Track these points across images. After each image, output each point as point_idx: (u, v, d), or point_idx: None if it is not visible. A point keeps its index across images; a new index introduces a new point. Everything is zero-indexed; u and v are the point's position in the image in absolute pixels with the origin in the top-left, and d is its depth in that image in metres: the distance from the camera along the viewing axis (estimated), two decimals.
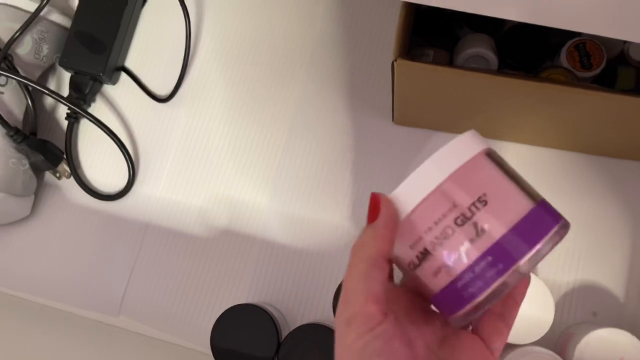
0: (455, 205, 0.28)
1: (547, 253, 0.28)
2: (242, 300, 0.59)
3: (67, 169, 0.63)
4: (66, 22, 0.65)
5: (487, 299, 0.27)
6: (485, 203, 0.28)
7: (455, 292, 0.28)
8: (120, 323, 0.60)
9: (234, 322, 0.53)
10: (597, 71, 0.52)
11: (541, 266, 0.56)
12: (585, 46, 0.53)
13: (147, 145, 0.64)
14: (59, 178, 0.63)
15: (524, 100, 0.48)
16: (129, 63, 0.67)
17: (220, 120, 0.64)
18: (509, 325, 0.31)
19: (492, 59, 0.52)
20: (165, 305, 0.60)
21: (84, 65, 0.63)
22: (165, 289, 0.60)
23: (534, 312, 0.50)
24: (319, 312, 0.58)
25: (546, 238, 0.28)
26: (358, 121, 0.62)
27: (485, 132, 0.60)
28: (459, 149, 0.29)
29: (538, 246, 0.27)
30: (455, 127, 0.59)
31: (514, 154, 0.59)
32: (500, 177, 0.29)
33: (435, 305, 0.31)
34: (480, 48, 0.52)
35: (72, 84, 0.63)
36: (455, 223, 0.28)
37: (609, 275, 0.55)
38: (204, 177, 0.63)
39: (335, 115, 0.62)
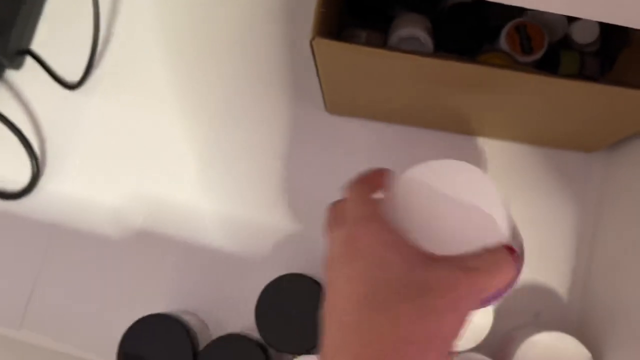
0: None
1: None
2: (159, 309, 0.53)
3: None
4: None
5: None
6: None
7: None
8: (22, 336, 0.54)
9: (145, 334, 0.48)
10: (538, 55, 0.48)
11: None
12: (526, 29, 0.49)
13: (54, 137, 0.58)
14: None
15: (460, 86, 0.43)
16: (35, 46, 0.60)
17: (138, 110, 0.58)
18: None
19: (427, 40, 0.48)
20: (72, 316, 0.54)
21: None
22: (73, 298, 0.54)
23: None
24: (247, 319, 0.53)
25: None
26: (290, 111, 0.57)
27: (423, 122, 0.57)
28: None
29: None
30: (390, 117, 0.54)
31: (453, 145, 0.55)
32: None
33: None
34: (413, 29, 0.48)
35: None
36: None
37: (552, 275, 0.52)
38: (119, 172, 0.56)
39: (265, 106, 0.57)
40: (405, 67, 0.42)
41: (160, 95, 0.58)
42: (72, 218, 0.56)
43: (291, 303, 0.47)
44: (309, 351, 0.46)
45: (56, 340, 0.53)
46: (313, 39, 0.39)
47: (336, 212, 0.33)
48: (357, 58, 0.41)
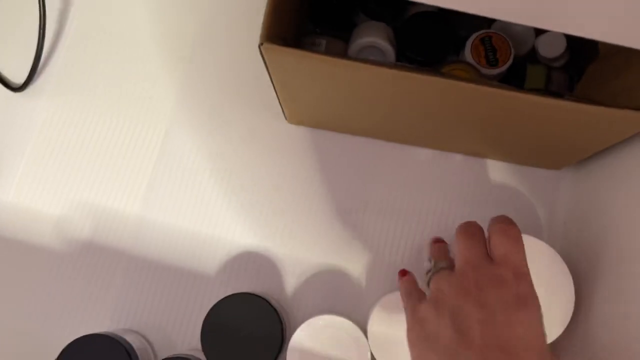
0: None
1: None
2: (102, 327, 0.50)
3: None
4: None
5: None
6: None
7: None
8: None
9: (81, 355, 0.44)
10: (504, 68, 0.46)
11: None
12: (491, 40, 0.47)
13: None
14: None
15: (420, 99, 0.41)
16: None
17: (86, 116, 0.55)
18: None
19: (388, 50, 0.46)
20: (3, 337, 0.50)
21: None
22: (8, 314, 0.50)
23: None
24: (194, 338, 0.50)
25: None
26: (248, 121, 0.54)
27: (385, 135, 0.54)
28: None
29: None
30: (350, 129, 0.52)
31: (419, 159, 0.53)
32: None
33: None
34: (374, 38, 0.45)
35: None
36: None
37: None
38: (65, 181, 0.53)
39: (221, 115, 0.54)
40: (362, 77, 0.39)
41: (113, 98, 0.55)
42: (11, 227, 0.52)
43: (240, 322, 0.44)
44: None
45: None
46: (261, 44, 0.36)
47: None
48: (310, 66, 0.39)
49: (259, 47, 0.37)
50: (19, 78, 0.56)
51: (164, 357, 0.45)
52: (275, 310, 0.44)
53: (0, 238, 0.52)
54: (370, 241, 0.51)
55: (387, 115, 0.46)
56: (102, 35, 0.56)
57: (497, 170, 0.53)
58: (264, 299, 0.45)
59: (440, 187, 0.52)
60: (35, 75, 0.55)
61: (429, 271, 0.35)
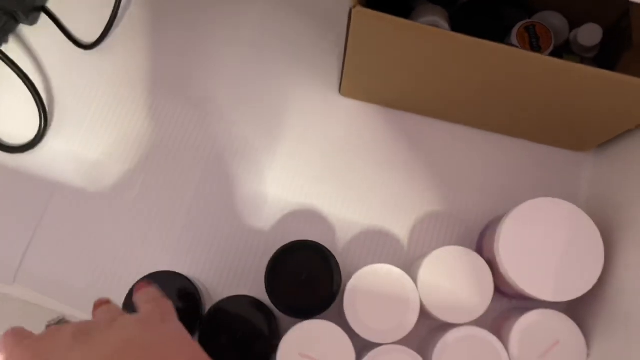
0: None
1: None
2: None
3: None
4: None
5: None
6: None
7: None
8: (15, 292, 0.52)
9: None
10: (546, 54, 0.52)
11: None
12: (535, 28, 0.53)
13: (65, 96, 0.57)
14: None
15: (482, 69, 0.46)
16: (51, 3, 0.60)
17: (152, 75, 0.58)
18: None
19: (446, 29, 0.51)
20: (68, 275, 0.53)
21: None
22: (71, 257, 0.53)
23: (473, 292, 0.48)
24: (248, 285, 0.53)
25: None
26: (300, 89, 0.58)
27: (433, 111, 0.58)
28: None
29: None
30: (403, 104, 0.57)
31: (457, 136, 0.58)
32: None
33: None
34: (435, 17, 0.51)
35: None
36: None
37: None
38: (127, 138, 0.56)
39: (274, 80, 0.58)
40: (434, 42, 0.44)
41: (173, 67, 0.59)
42: (76, 177, 0.55)
43: (301, 267, 0.48)
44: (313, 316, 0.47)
45: (51, 298, 0.52)
46: (354, 6, 0.41)
47: None
48: (391, 31, 0.43)
49: (350, 10, 0.41)
50: (87, 36, 0.59)
51: (228, 296, 0.48)
52: (331, 256, 0.48)
53: (66, 186, 0.55)
54: (411, 210, 0.56)
55: (442, 88, 0.51)
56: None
57: (525, 150, 0.58)
58: (320, 246, 0.48)
59: (473, 163, 0.57)
60: (107, 35, 0.58)
61: None
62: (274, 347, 0.46)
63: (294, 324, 0.47)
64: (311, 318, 0.47)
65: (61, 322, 0.34)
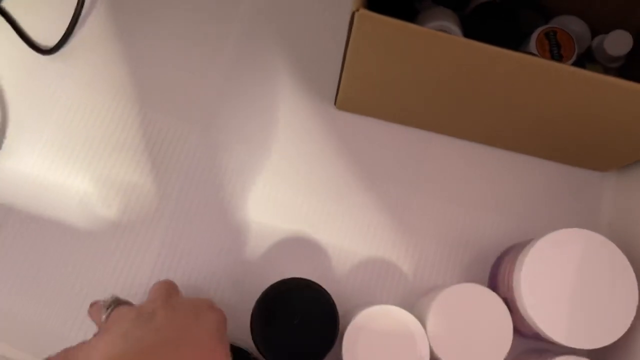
0: None
1: None
2: None
3: None
4: None
5: None
6: None
7: None
8: None
9: None
10: (568, 64, 0.46)
11: None
12: (556, 35, 0.47)
13: (20, 108, 0.50)
14: None
15: (493, 79, 0.40)
16: (6, 2, 0.52)
17: (122, 83, 0.51)
18: None
19: (458, 34, 0.45)
20: (27, 316, 0.45)
21: None
22: (31, 294, 0.46)
23: None
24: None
25: None
26: (294, 101, 0.52)
27: (436, 126, 0.52)
28: None
29: None
30: (401, 117, 0.51)
31: (465, 152, 0.52)
32: None
33: None
34: (445, 21, 0.44)
35: None
36: None
37: None
38: (92, 154, 0.49)
39: (267, 91, 0.52)
40: (441, 49, 0.38)
41: (147, 71, 0.52)
42: (32, 201, 0.48)
43: (293, 309, 0.41)
44: None
45: (8, 344, 0.45)
46: (357, 9, 0.34)
47: None
48: (399, 39, 0.37)
49: (353, 13, 0.35)
50: (46, 40, 0.52)
51: None
52: (328, 297, 0.42)
53: (20, 212, 0.47)
54: (415, 235, 0.50)
55: (448, 100, 0.45)
56: None
57: (542, 169, 0.52)
58: (314, 284, 0.42)
59: (483, 182, 0.52)
60: (68, 39, 0.51)
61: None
62: None
63: None
64: None
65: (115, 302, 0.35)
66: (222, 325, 0.34)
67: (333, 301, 0.42)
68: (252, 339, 0.41)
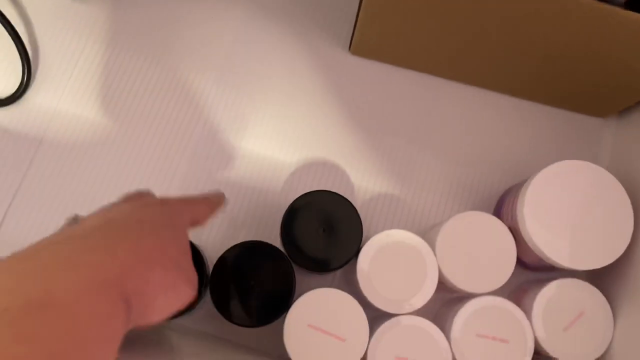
0: None
1: None
2: None
3: None
4: None
5: None
6: None
7: None
8: None
9: None
10: None
11: None
12: None
13: (50, 45, 0.52)
14: None
15: (500, 17, 0.43)
16: None
17: (145, 31, 0.54)
18: None
19: None
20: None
21: None
22: (54, 218, 0.49)
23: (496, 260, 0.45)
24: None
25: None
26: (308, 45, 0.54)
27: (448, 72, 0.53)
28: None
29: None
30: (415, 63, 0.53)
31: (473, 99, 0.54)
32: None
33: None
34: None
35: None
36: None
37: None
38: (117, 93, 0.52)
39: (281, 37, 0.54)
40: None
41: (172, 17, 0.54)
42: (61, 133, 0.50)
43: (322, 218, 0.44)
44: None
45: None
46: None
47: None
48: None
49: None
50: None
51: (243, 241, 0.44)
52: (353, 209, 0.45)
53: (50, 143, 0.50)
54: (423, 178, 0.52)
55: (462, 44, 0.48)
56: None
57: (543, 114, 0.55)
58: (343, 198, 0.45)
59: (487, 127, 0.54)
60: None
61: None
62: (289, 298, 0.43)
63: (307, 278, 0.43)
64: (329, 272, 0.43)
65: (76, 219, 0.32)
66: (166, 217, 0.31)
67: (358, 213, 0.44)
68: (282, 243, 0.44)
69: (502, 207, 0.49)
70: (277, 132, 0.52)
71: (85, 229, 0.27)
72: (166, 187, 0.50)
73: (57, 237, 0.26)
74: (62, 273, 0.23)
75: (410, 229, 0.50)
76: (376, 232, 0.44)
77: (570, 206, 0.44)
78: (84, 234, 0.26)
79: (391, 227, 0.50)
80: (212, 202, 0.36)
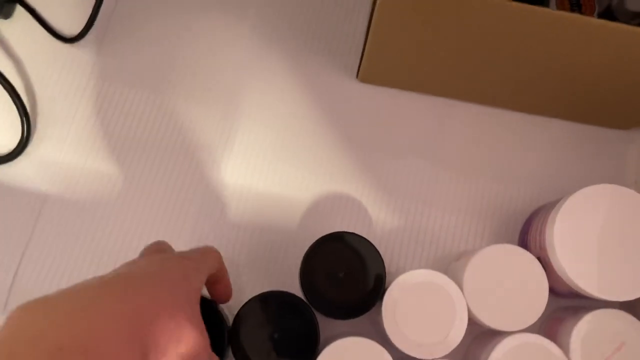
0: None
1: None
2: None
3: None
4: None
5: None
6: None
7: None
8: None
9: None
10: None
11: None
12: None
13: (48, 97, 0.51)
14: None
15: (518, 38, 0.40)
16: None
17: (144, 68, 0.52)
18: None
19: None
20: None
21: None
22: (68, 278, 0.47)
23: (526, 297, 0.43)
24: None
25: None
26: (316, 75, 0.52)
27: (459, 93, 0.51)
28: None
29: None
30: (429, 86, 0.51)
31: (490, 119, 0.52)
32: None
33: None
34: None
35: None
36: None
37: None
38: (121, 139, 0.50)
39: (289, 67, 0.52)
40: (473, 12, 0.38)
41: (169, 55, 0.52)
42: (66, 187, 0.49)
43: (339, 264, 0.43)
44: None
45: None
46: None
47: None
48: (432, 5, 0.37)
49: None
50: (68, 28, 0.52)
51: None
52: (375, 250, 0.43)
53: (55, 198, 0.48)
54: (443, 205, 0.50)
55: (475, 65, 0.45)
56: None
57: (566, 130, 0.53)
58: (362, 238, 0.43)
59: (508, 146, 0.52)
60: (92, 26, 0.52)
61: None
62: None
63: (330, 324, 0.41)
64: (352, 318, 0.42)
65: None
66: (184, 275, 0.32)
67: (380, 255, 0.42)
68: (302, 291, 0.42)
69: (528, 235, 0.47)
70: (287, 169, 0.50)
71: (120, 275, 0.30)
72: (177, 234, 0.48)
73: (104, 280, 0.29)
74: (102, 320, 0.26)
75: (434, 259, 0.49)
76: (398, 267, 0.42)
77: (602, 234, 0.42)
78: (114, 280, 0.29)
79: (413, 259, 0.49)
80: (216, 254, 0.37)
